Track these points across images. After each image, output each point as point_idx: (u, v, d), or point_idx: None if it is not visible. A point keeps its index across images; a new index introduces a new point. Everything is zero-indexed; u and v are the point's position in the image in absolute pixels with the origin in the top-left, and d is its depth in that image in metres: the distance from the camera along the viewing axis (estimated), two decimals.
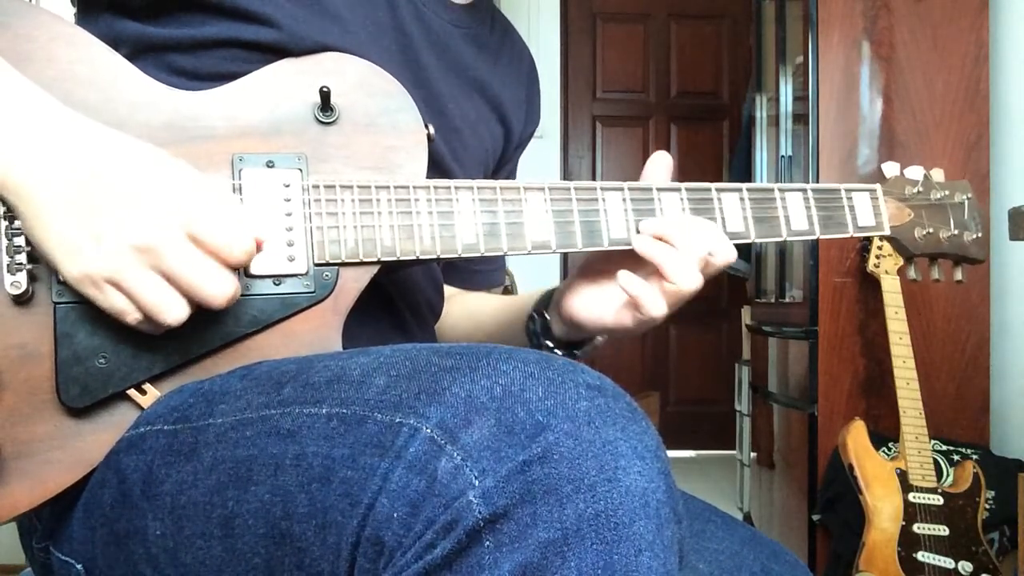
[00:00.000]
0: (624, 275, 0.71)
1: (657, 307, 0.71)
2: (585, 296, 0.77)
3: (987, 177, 2.03)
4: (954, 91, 2.03)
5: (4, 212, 0.58)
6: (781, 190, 0.77)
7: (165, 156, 0.58)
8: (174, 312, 0.56)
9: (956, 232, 0.86)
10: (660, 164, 0.75)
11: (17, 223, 0.57)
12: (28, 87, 0.57)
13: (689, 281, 0.70)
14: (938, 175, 0.87)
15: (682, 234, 0.70)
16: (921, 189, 0.85)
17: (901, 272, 1.84)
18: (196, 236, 0.55)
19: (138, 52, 0.68)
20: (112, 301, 0.55)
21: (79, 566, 0.61)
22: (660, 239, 0.71)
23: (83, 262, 0.54)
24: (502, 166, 0.96)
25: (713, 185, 0.75)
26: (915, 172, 0.86)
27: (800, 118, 2.25)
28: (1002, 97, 2.09)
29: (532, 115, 0.98)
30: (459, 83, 0.83)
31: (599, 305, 0.76)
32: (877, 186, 0.82)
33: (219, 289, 0.56)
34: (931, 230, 0.85)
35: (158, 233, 0.54)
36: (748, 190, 0.76)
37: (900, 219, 0.84)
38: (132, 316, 0.56)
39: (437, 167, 0.77)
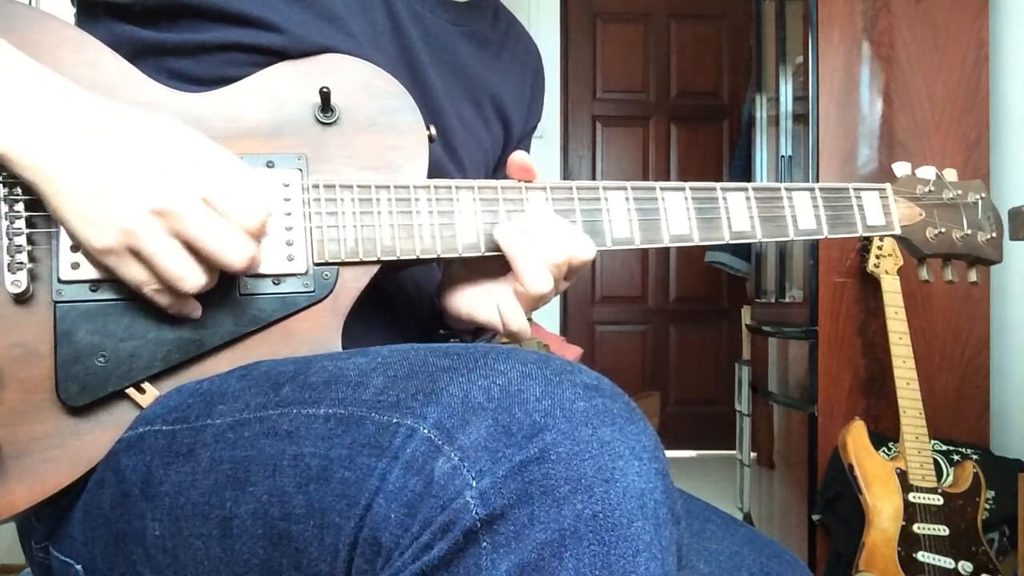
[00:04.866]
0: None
1: (516, 317, 0.71)
2: (462, 291, 0.77)
3: (987, 177, 2.02)
4: (954, 91, 2.03)
5: (5, 212, 0.58)
6: (788, 189, 0.76)
7: (180, 126, 0.59)
8: (191, 279, 0.57)
9: (969, 232, 0.84)
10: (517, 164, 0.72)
11: (19, 223, 0.58)
12: (43, 72, 0.57)
13: (539, 284, 0.68)
14: (950, 175, 0.86)
15: (538, 234, 0.68)
16: (932, 188, 0.83)
17: (910, 272, 1.84)
18: (212, 200, 0.56)
19: (137, 56, 0.68)
20: (132, 271, 0.56)
21: (78, 566, 0.61)
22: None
23: (104, 233, 0.55)
24: (503, 163, 0.96)
25: (718, 185, 0.74)
26: (927, 172, 0.84)
27: (800, 118, 2.25)
28: (1002, 97, 2.08)
29: (534, 110, 0.97)
30: (457, 83, 0.83)
31: (472, 300, 0.76)
32: (887, 185, 0.81)
33: (239, 252, 0.57)
34: (943, 230, 0.83)
35: (175, 197, 0.55)
36: (754, 189, 0.75)
37: (911, 219, 0.82)
38: (151, 287, 0.57)
39: (434, 168, 0.77)
